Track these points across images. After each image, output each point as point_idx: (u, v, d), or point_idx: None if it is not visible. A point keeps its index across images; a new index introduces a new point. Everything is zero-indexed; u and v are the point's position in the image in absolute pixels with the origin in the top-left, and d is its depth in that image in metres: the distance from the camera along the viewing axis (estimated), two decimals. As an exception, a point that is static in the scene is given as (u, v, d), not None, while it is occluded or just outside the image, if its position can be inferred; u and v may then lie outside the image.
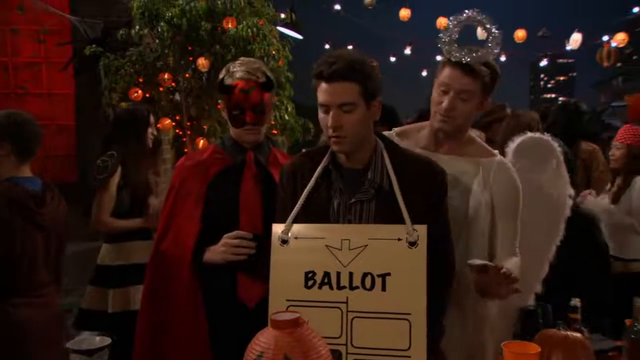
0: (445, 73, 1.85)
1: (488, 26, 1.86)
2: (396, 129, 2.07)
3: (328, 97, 1.61)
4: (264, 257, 1.68)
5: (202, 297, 2.01)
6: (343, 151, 1.66)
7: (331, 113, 1.61)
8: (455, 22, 1.87)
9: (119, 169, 3.08)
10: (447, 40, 1.84)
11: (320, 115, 1.65)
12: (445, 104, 1.83)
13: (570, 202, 2.17)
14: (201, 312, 2.00)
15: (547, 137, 2.15)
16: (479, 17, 1.88)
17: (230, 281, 1.97)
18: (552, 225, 2.14)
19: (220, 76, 2.05)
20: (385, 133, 1.99)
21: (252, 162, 2.05)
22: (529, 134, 2.16)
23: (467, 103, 1.84)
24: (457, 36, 1.86)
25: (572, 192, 2.17)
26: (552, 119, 3.79)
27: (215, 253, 1.95)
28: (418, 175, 1.68)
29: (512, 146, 2.13)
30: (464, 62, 1.79)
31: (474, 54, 1.80)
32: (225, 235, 1.93)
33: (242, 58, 2.15)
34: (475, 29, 1.90)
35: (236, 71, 2.01)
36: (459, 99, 1.83)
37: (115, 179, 3.06)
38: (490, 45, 1.84)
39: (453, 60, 1.82)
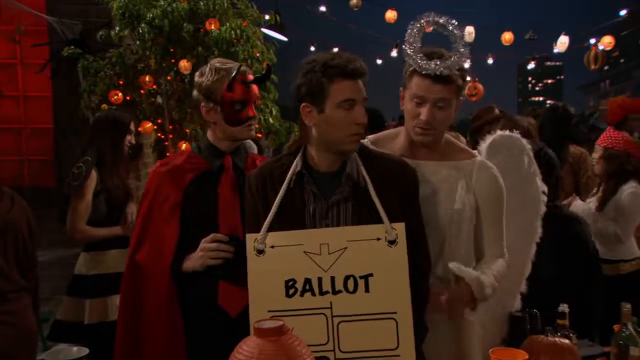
0: (417, 83, 1.84)
1: (450, 28, 1.86)
2: (370, 137, 2.07)
3: (357, 92, 1.66)
4: (244, 262, 1.67)
5: (181, 307, 1.98)
6: (357, 149, 1.71)
7: (359, 109, 1.65)
8: (415, 32, 1.86)
9: (95, 175, 3.05)
10: (412, 52, 1.83)
11: (341, 113, 1.64)
12: (423, 116, 1.83)
13: (544, 199, 2.19)
14: (180, 323, 1.98)
15: (516, 134, 2.18)
16: (438, 20, 1.88)
17: (210, 290, 1.95)
18: (528, 223, 2.17)
19: (209, 76, 2.01)
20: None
21: (231, 167, 2.04)
22: (499, 132, 2.19)
23: (445, 110, 1.84)
24: (420, 44, 1.85)
25: (545, 188, 2.20)
26: (541, 123, 3.83)
27: (194, 260, 1.93)
28: (390, 174, 1.72)
29: (483, 145, 2.15)
30: (438, 74, 1.78)
31: (446, 63, 1.79)
32: (203, 240, 1.92)
33: (217, 58, 2.16)
34: (441, 31, 1.89)
35: (231, 67, 2.01)
36: (437, 108, 1.83)
37: (91, 185, 3.03)
38: (456, 49, 1.83)
39: (424, 73, 1.81)
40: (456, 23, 1.88)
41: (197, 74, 2.07)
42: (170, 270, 1.95)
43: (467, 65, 1.88)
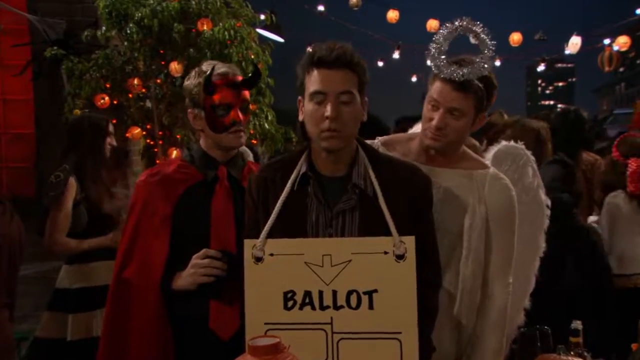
0: (436, 87, 1.88)
1: (482, 36, 1.88)
2: (381, 138, 2.09)
3: (327, 84, 1.60)
4: (238, 281, 1.66)
5: (171, 330, 1.97)
6: (335, 148, 1.65)
7: (330, 102, 1.60)
8: (445, 34, 1.90)
9: (75, 184, 3.04)
10: (435, 53, 1.87)
11: (311, 107, 1.63)
12: (435, 121, 1.86)
13: (547, 212, 2.21)
14: (170, 344, 1.96)
15: (520, 145, 2.21)
16: (470, 26, 1.90)
17: (201, 309, 1.93)
18: (532, 237, 2.19)
19: (193, 80, 2.01)
20: (367, 142, 2.02)
21: (225, 179, 2.02)
22: (504, 143, 2.23)
23: (459, 120, 1.86)
24: (446, 48, 1.88)
25: (549, 202, 2.23)
26: (552, 128, 3.83)
27: (185, 277, 1.91)
28: (402, 182, 1.70)
29: (488, 156, 2.18)
30: (455, 79, 1.81)
31: (465, 70, 1.81)
32: (194, 256, 1.90)
33: (208, 61, 2.16)
34: (468, 37, 1.92)
35: (216, 67, 1.98)
36: (450, 116, 1.86)
37: (71, 194, 3.02)
38: (482, 57, 1.85)
39: (442, 76, 1.84)
40: (487, 32, 1.90)
41: (186, 77, 2.07)
42: (159, 288, 1.93)
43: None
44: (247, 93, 2.04)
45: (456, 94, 1.83)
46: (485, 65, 1.84)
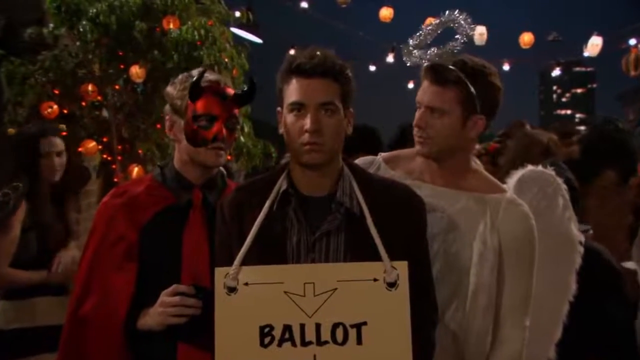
0: (421, 87, 1.93)
1: (460, 21, 1.92)
2: (384, 155, 2.10)
3: (306, 94, 1.65)
4: (211, 319, 1.65)
5: None
6: (315, 163, 1.68)
7: (310, 114, 1.65)
8: (433, 27, 1.94)
9: (24, 206, 3.01)
10: (409, 44, 1.92)
11: (290, 119, 1.68)
12: (415, 120, 1.91)
13: (581, 250, 2.19)
14: None
15: (550, 171, 2.20)
16: (457, 16, 1.93)
17: (167, 354, 1.92)
18: (561, 278, 2.16)
19: (178, 85, 2.01)
20: (368, 158, 2.06)
21: (200, 204, 2.02)
22: (530, 167, 2.21)
23: (442, 119, 1.88)
24: (429, 42, 1.92)
25: (582, 237, 2.21)
26: (590, 140, 3.82)
27: (152, 316, 1.90)
28: (393, 204, 1.73)
29: (511, 182, 2.17)
30: (422, 63, 1.86)
31: (433, 51, 1.86)
32: (163, 293, 1.88)
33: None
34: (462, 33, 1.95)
35: (207, 73, 2.00)
36: (431, 115, 1.88)
37: (19, 217, 2.99)
38: (457, 37, 1.90)
39: (408, 64, 1.89)
40: (469, 20, 1.94)
41: (170, 82, 2.09)
42: (123, 328, 1.91)
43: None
44: (233, 106, 2.03)
45: (434, 89, 1.87)
46: (457, 45, 1.88)
